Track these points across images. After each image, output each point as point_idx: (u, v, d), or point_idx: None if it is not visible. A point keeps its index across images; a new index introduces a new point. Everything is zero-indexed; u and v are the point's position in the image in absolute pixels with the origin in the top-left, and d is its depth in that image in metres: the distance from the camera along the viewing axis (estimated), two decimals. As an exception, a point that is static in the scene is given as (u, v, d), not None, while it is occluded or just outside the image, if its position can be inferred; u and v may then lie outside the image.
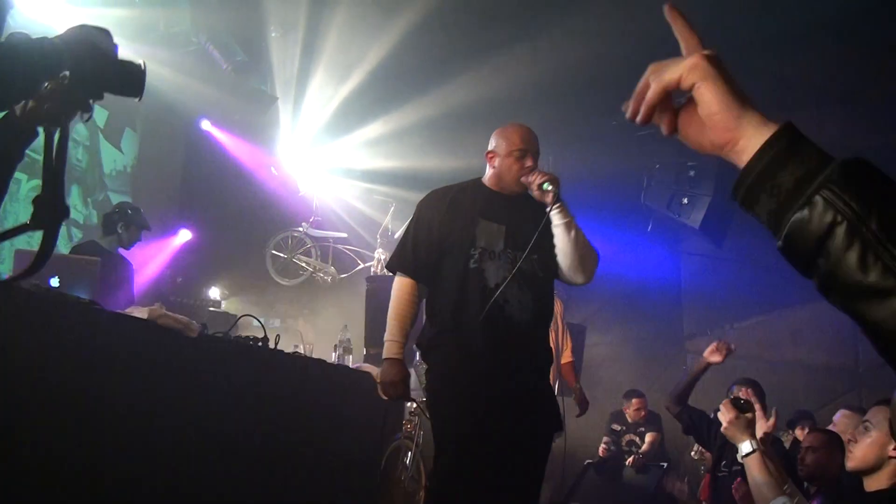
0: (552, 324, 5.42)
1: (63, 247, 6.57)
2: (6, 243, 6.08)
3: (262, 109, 8.33)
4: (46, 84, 1.54)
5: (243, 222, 8.29)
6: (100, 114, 7.41)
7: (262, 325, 4.30)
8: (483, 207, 3.22)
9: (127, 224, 5.54)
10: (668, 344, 8.71)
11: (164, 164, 7.97)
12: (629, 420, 7.02)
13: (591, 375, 8.11)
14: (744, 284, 8.14)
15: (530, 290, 3.10)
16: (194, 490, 3.39)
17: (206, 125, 8.06)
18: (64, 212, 1.62)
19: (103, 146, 7.53)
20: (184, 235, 7.81)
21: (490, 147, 3.32)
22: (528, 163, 3.21)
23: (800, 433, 5.63)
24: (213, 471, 3.53)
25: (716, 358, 4.55)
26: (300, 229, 8.10)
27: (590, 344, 8.21)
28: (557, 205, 3.13)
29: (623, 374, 8.27)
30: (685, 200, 7.74)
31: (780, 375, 7.30)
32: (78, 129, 7.13)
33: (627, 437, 6.92)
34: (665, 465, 6.49)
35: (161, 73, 7.08)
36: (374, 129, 8.39)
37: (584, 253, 3.17)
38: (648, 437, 6.78)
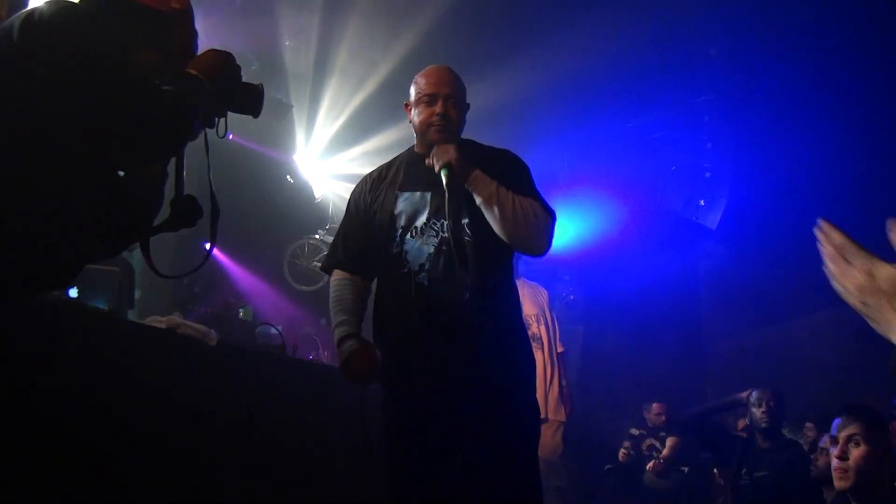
0: (540, 315, 5.37)
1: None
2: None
3: (278, 118, 8.34)
4: None
5: (259, 230, 8.31)
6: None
7: (280, 333, 4.32)
8: (406, 177, 2.74)
9: None
10: (686, 347, 8.65)
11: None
12: (650, 425, 6.96)
13: (609, 379, 8.07)
14: (763, 286, 8.07)
15: (463, 262, 2.55)
16: (213, 497, 3.39)
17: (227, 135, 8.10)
18: (217, 209, 2.13)
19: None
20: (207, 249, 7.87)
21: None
22: (438, 109, 2.65)
23: (810, 434, 5.61)
24: (231, 478, 3.53)
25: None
26: (317, 237, 8.11)
27: (607, 348, 8.18)
28: (468, 183, 2.57)
29: (642, 377, 8.22)
30: (702, 202, 7.71)
31: (800, 376, 7.24)
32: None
33: (648, 441, 6.86)
34: (686, 469, 6.44)
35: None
36: (389, 135, 8.38)
37: (520, 224, 2.54)
38: (669, 442, 6.71)
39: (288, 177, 8.61)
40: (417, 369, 2.59)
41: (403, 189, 2.69)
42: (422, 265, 2.57)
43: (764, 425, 4.59)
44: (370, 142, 8.57)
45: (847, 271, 1.23)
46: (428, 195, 2.64)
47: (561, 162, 8.83)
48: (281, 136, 8.57)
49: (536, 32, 6.97)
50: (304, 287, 8.09)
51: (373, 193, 2.77)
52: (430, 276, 2.55)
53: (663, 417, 6.91)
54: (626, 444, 6.78)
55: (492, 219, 2.54)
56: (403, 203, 2.67)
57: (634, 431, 6.96)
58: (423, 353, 2.58)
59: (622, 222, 8.15)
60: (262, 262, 8.36)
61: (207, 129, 1.95)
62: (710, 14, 6.58)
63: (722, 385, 4.93)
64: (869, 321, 1.21)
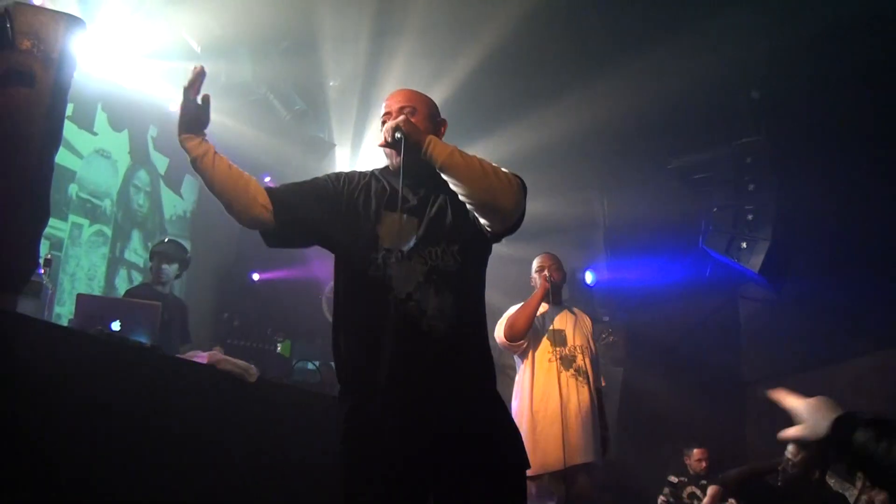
0: (586, 347, 5.03)
1: (121, 290, 6.73)
2: (67, 286, 6.24)
3: (320, 156, 8.47)
4: None
5: (298, 266, 8.39)
6: (160, 161, 7.63)
7: (318, 370, 4.33)
8: (392, 196, 2.51)
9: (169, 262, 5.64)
10: (726, 390, 8.50)
11: (223, 209, 8.13)
12: (690, 471, 6.81)
13: (648, 423, 7.95)
14: (805, 331, 7.92)
15: (449, 291, 2.36)
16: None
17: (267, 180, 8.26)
18: None
19: (164, 192, 7.73)
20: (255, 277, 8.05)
21: None
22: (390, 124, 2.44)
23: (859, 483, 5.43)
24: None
25: None
26: (354, 273, 8.17)
27: (647, 390, 8.07)
28: (422, 149, 2.35)
29: (682, 421, 8.08)
30: (744, 245, 7.60)
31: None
32: (140, 176, 7.34)
33: (688, 489, 6.70)
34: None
35: (223, 122, 7.29)
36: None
37: (489, 176, 2.31)
38: (711, 491, 6.51)
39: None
40: (391, 407, 2.29)
41: (390, 208, 2.47)
42: (409, 294, 2.33)
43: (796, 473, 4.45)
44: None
45: None
46: (416, 220, 2.44)
47: (601, 203, 8.81)
48: (322, 174, 8.70)
49: (577, 75, 7.01)
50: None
51: (358, 197, 2.56)
52: (420, 307, 2.32)
53: (704, 464, 6.76)
54: (666, 490, 6.64)
55: (456, 184, 2.33)
56: (388, 223, 2.44)
57: (673, 479, 6.81)
58: (401, 391, 2.30)
59: (662, 264, 8.08)
60: (301, 298, 8.42)
61: None
62: (752, 57, 6.57)
63: (763, 431, 4.80)
64: None
